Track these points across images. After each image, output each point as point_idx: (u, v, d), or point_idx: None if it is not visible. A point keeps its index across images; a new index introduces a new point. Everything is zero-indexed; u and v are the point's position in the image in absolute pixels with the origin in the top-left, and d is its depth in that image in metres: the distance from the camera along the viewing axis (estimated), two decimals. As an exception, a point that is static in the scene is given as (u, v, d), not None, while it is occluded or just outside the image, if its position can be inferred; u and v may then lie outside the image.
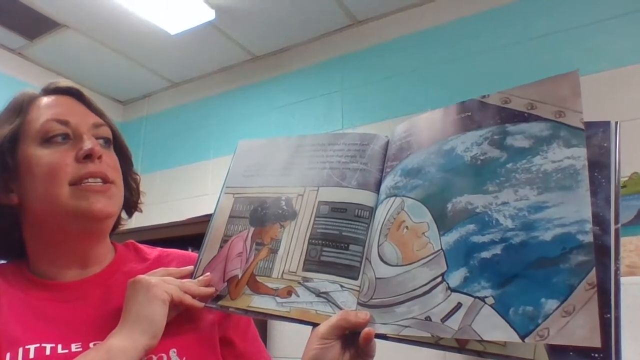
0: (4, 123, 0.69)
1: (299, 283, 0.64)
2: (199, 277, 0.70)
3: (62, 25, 2.43)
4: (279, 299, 0.64)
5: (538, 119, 0.54)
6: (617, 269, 0.47)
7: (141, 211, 0.81)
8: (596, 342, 0.43)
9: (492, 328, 0.48)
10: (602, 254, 0.47)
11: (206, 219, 0.77)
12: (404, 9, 2.29)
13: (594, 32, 1.82)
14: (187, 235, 1.91)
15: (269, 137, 0.79)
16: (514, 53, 1.97)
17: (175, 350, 0.65)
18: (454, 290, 0.52)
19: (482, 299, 0.50)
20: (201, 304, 0.66)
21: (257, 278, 0.67)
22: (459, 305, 0.51)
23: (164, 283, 0.63)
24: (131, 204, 0.79)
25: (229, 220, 0.73)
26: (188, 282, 0.67)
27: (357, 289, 0.61)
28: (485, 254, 0.51)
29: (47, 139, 0.66)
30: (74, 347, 0.61)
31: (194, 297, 0.66)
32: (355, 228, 0.64)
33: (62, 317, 0.64)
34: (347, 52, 2.42)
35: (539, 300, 0.47)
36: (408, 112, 2.09)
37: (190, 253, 0.80)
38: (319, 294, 0.62)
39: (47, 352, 0.60)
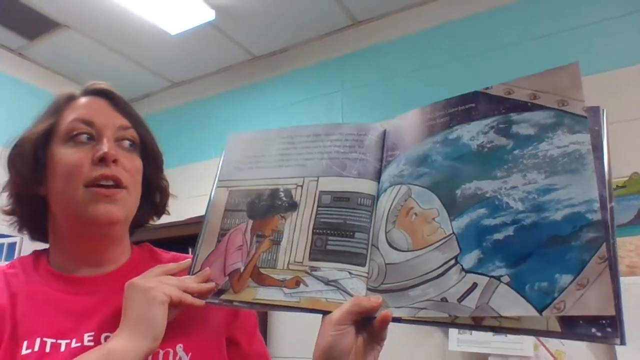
0: (43, 120, 0.72)
1: (307, 273, 0.64)
2: (197, 272, 0.69)
3: (62, 25, 2.43)
4: (286, 290, 0.64)
5: (542, 108, 0.57)
6: (613, 242, 0.50)
7: (169, 214, 0.82)
8: (610, 311, 0.46)
9: (510, 304, 0.51)
10: (603, 228, 0.50)
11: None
12: (404, 9, 2.29)
13: (594, 32, 1.83)
14: (187, 235, 1.92)
15: (260, 130, 0.78)
16: (514, 53, 1.97)
17: (181, 345, 0.66)
18: (468, 271, 0.55)
19: (498, 278, 0.53)
20: (202, 302, 0.65)
21: (261, 270, 0.66)
22: (474, 285, 0.54)
23: (162, 284, 0.62)
24: (159, 207, 0.80)
25: (225, 214, 0.73)
26: (187, 280, 0.67)
27: (365, 275, 0.62)
28: (498, 236, 0.54)
29: (71, 138, 0.69)
30: (86, 339, 0.63)
31: (193, 294, 0.65)
32: (359, 216, 0.65)
33: (77, 309, 0.66)
34: (347, 52, 2.42)
35: (554, 276, 0.50)
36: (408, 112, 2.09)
37: None
38: (328, 282, 0.63)
39: (62, 349, 0.62)
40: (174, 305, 0.62)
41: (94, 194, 0.66)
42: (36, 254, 0.74)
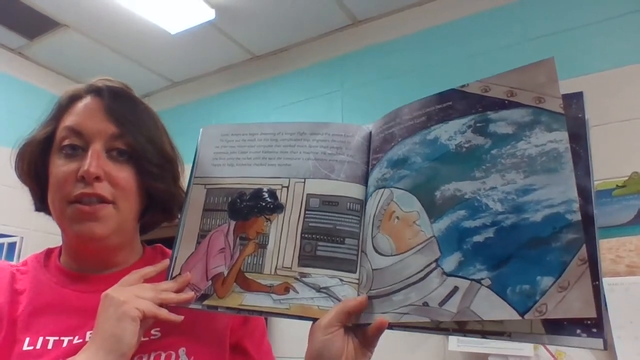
0: (44, 126, 0.71)
1: (296, 279, 0.63)
2: (175, 276, 0.66)
3: (62, 25, 2.43)
4: (275, 296, 0.62)
5: (518, 105, 0.55)
6: (596, 241, 0.49)
7: (175, 218, 0.78)
8: (592, 313, 0.46)
9: (491, 308, 0.50)
10: (587, 222, 0.49)
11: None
12: (404, 9, 2.29)
13: (594, 32, 1.82)
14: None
15: (238, 123, 0.75)
16: (513, 53, 1.97)
17: (184, 349, 0.65)
18: (449, 274, 0.54)
19: (479, 281, 0.51)
20: (179, 319, 0.62)
21: (247, 275, 0.64)
22: (455, 289, 0.53)
23: (137, 298, 0.59)
24: (166, 212, 0.76)
25: (204, 214, 0.69)
26: (165, 290, 0.63)
27: (356, 282, 0.61)
28: (478, 238, 0.53)
29: (62, 148, 0.68)
30: (88, 336, 0.62)
31: (172, 304, 0.62)
32: (349, 221, 0.64)
33: (83, 306, 0.66)
34: (347, 52, 2.42)
35: (535, 278, 0.49)
36: (408, 112, 2.09)
37: None
38: (319, 289, 0.62)
39: (64, 345, 0.62)
40: (148, 318, 0.60)
41: (76, 212, 0.65)
42: (48, 251, 0.75)
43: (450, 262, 0.54)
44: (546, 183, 0.51)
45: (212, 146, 0.73)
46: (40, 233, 2.34)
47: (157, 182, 0.71)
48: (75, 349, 0.59)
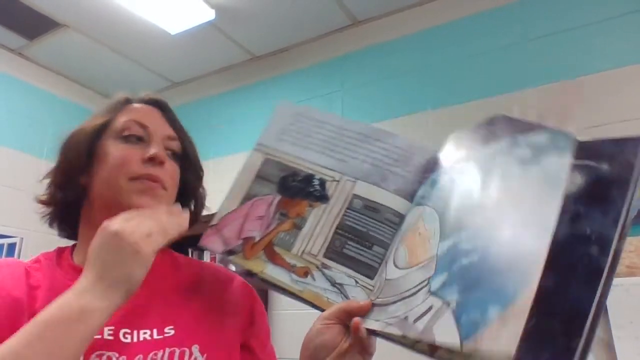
0: (101, 115, 0.77)
1: (317, 267, 0.66)
2: (214, 224, 0.71)
3: (62, 25, 2.43)
4: (294, 276, 0.65)
5: (543, 128, 0.55)
6: (603, 293, 0.45)
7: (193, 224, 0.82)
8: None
9: (444, 332, 0.49)
10: (594, 276, 0.46)
11: (206, 219, 0.77)
12: (404, 9, 2.29)
13: (594, 32, 1.82)
14: (186, 235, 1.91)
15: (313, 108, 0.79)
16: (513, 53, 1.97)
17: (197, 346, 0.67)
18: (432, 293, 0.54)
19: (448, 303, 0.51)
20: (185, 218, 0.66)
21: (275, 248, 0.68)
22: (430, 308, 0.53)
23: (149, 238, 0.59)
24: (192, 216, 0.79)
25: (256, 180, 0.74)
26: (163, 217, 0.64)
27: (370, 287, 0.63)
28: (465, 260, 0.52)
29: (123, 135, 0.73)
30: (106, 332, 0.63)
31: (180, 216, 0.66)
32: (383, 231, 0.66)
33: None
34: (347, 52, 2.42)
35: (487, 307, 0.46)
36: (408, 111, 2.10)
37: (221, 267, 0.81)
38: (334, 283, 0.64)
39: None
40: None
41: (140, 186, 0.69)
42: (59, 249, 0.76)
43: (437, 281, 0.54)
44: (536, 206, 0.49)
45: (282, 121, 0.78)
46: (40, 233, 2.33)
47: (199, 184, 0.81)
48: (93, 345, 0.60)
